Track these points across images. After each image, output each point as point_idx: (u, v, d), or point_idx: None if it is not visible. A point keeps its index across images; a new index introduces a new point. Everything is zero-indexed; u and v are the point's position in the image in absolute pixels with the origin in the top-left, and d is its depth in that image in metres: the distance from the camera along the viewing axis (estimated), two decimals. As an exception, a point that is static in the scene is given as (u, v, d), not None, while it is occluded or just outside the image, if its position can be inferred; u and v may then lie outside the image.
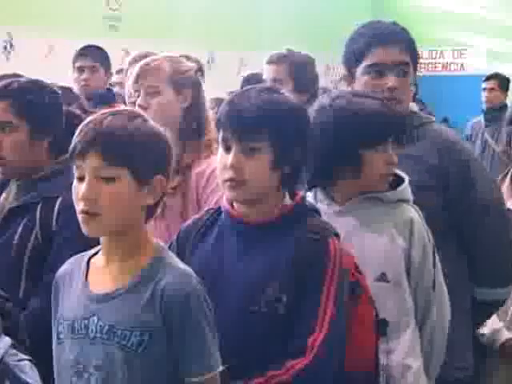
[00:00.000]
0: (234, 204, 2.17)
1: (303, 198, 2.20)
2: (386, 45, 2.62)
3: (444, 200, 2.59)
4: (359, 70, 2.65)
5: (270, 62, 3.80)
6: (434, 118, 2.85)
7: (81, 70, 5.25)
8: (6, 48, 7.64)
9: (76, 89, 4.86)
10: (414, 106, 2.77)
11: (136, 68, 3.02)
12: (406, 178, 2.37)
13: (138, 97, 2.96)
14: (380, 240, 2.28)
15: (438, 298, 2.34)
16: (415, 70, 2.69)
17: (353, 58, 2.67)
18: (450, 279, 2.44)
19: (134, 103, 3.39)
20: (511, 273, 2.70)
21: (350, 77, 2.69)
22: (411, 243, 2.29)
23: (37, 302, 2.12)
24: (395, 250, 2.28)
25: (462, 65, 11.06)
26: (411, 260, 2.29)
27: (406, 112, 2.65)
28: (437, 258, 2.34)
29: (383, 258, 2.25)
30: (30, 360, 1.75)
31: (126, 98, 3.72)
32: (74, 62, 5.29)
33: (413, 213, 2.32)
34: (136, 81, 2.98)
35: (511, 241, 2.69)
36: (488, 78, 7.65)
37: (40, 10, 7.62)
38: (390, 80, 2.59)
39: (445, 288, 2.37)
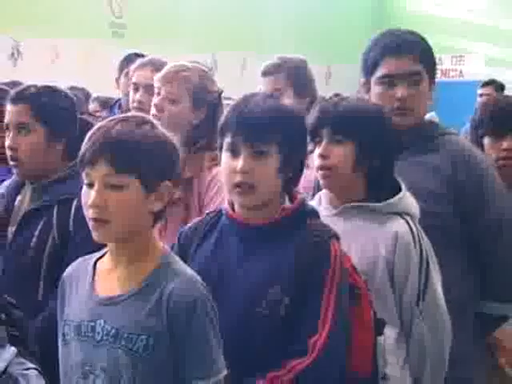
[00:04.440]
0: (235, 207, 2.17)
1: (303, 201, 2.20)
2: (397, 55, 2.62)
3: (459, 212, 2.58)
4: (373, 80, 2.66)
5: (266, 74, 3.69)
6: (454, 130, 2.85)
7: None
8: (13, 55, 7.65)
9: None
10: (433, 117, 2.76)
11: (165, 69, 3.01)
12: (403, 191, 2.35)
13: (158, 94, 2.96)
14: (365, 248, 2.28)
15: (432, 314, 2.31)
16: (432, 78, 2.68)
17: (368, 68, 2.68)
18: (457, 292, 2.46)
19: (138, 108, 3.41)
20: None
21: (367, 85, 2.70)
22: (394, 257, 2.28)
23: (55, 303, 2.13)
24: (377, 262, 2.27)
25: (460, 71, 11.08)
26: (394, 273, 2.28)
27: (417, 121, 2.66)
28: (432, 272, 2.31)
29: (365, 265, 2.24)
30: (36, 369, 1.73)
31: (130, 101, 3.72)
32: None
33: (400, 227, 2.30)
34: (161, 81, 2.97)
35: None
36: (484, 85, 7.65)
37: (46, 18, 7.64)
38: (401, 90, 2.60)
39: (441, 302, 2.33)
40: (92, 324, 1.94)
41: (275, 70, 3.67)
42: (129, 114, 2.26)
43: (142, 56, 4.24)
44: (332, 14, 10.83)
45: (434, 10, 11.10)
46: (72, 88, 4.42)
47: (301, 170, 2.19)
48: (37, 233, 2.69)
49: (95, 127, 1.99)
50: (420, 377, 2.32)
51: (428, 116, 2.82)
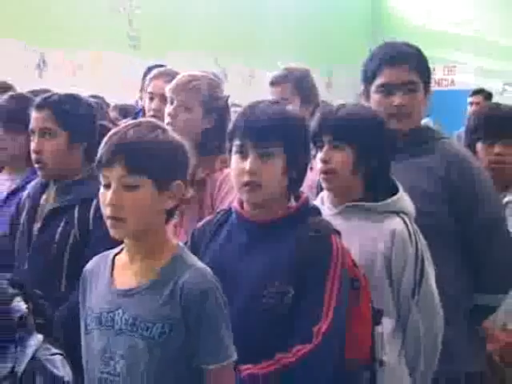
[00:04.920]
0: (244, 205, 2.18)
1: (307, 200, 2.20)
2: (394, 65, 2.63)
3: (452, 212, 2.57)
4: (372, 88, 2.67)
5: (274, 84, 3.70)
6: (448, 135, 2.85)
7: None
8: (39, 66, 7.68)
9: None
10: (429, 122, 2.76)
11: (177, 79, 3.01)
12: (400, 191, 2.36)
13: (172, 103, 2.96)
14: (364, 245, 2.28)
15: (426, 306, 2.31)
16: (427, 86, 2.68)
17: (368, 77, 2.69)
18: (452, 288, 2.46)
19: (153, 116, 3.40)
20: (511, 281, 2.69)
21: (367, 94, 2.70)
22: (391, 253, 2.28)
23: (76, 295, 2.14)
24: (376, 257, 2.27)
25: (452, 80, 11.07)
26: (391, 269, 2.28)
27: (415, 126, 2.67)
28: (426, 267, 2.31)
29: (364, 260, 2.24)
30: (61, 354, 1.75)
31: (146, 110, 3.72)
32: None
33: (398, 225, 2.30)
34: (174, 91, 2.97)
35: None
36: (474, 93, 7.63)
37: (69, 31, 7.66)
38: (397, 98, 2.61)
39: (435, 296, 2.33)
40: (111, 314, 1.95)
41: (282, 80, 3.67)
42: (142, 119, 2.27)
43: (161, 66, 4.23)
44: (332, 27, 10.83)
45: (429, 23, 11.10)
46: (92, 97, 4.41)
47: (305, 171, 2.19)
48: (60, 230, 2.70)
49: (111, 132, 2.01)
50: (415, 365, 2.32)
51: (424, 121, 2.82)
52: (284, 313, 2.03)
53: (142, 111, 4.59)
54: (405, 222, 2.30)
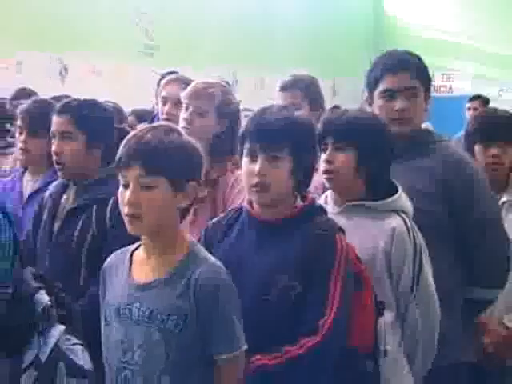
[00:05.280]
0: (254, 205, 2.18)
1: (313, 200, 2.21)
2: (396, 72, 2.63)
3: (449, 210, 2.57)
4: (375, 94, 2.67)
5: (284, 89, 3.65)
6: (446, 137, 2.84)
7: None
8: (61, 73, 7.72)
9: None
10: (428, 126, 2.76)
11: (192, 86, 3.02)
12: (399, 191, 2.36)
13: (187, 110, 2.97)
14: (365, 241, 2.27)
15: (424, 299, 2.30)
16: (427, 92, 2.69)
17: (371, 84, 2.70)
18: (447, 282, 2.45)
19: (167, 119, 3.41)
20: (505, 276, 2.69)
21: (371, 99, 2.71)
22: (391, 249, 2.28)
23: (96, 291, 2.14)
24: (377, 253, 2.27)
25: (450, 87, 11.04)
26: (391, 264, 2.28)
27: (416, 129, 2.67)
28: (424, 263, 2.31)
29: (366, 256, 2.23)
30: (82, 344, 1.76)
31: (159, 113, 3.72)
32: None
33: (397, 222, 2.30)
34: (189, 98, 2.97)
35: (507, 251, 2.68)
36: (472, 99, 7.61)
37: (90, 42, 7.73)
38: (399, 103, 2.61)
39: (432, 289, 2.33)
40: (129, 307, 1.96)
41: (292, 86, 3.67)
42: (158, 123, 2.27)
43: (175, 73, 4.24)
44: (336, 40, 10.83)
45: (428, 34, 11.08)
46: (107, 102, 4.43)
47: (311, 173, 2.20)
48: (79, 227, 2.71)
49: (129, 135, 2.02)
50: (413, 356, 2.32)
51: (423, 125, 2.82)
52: (291, 306, 2.02)
53: (158, 116, 4.62)
54: (404, 220, 2.31)
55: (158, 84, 4.64)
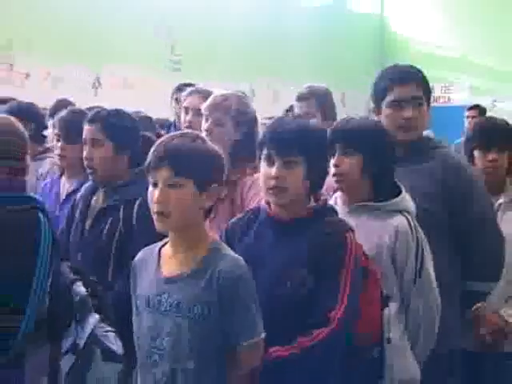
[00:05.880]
0: (271, 206, 2.18)
1: (325, 201, 2.21)
2: (403, 84, 2.63)
3: (448, 210, 2.57)
4: (384, 104, 2.66)
5: (300, 99, 3.69)
6: (446, 144, 2.84)
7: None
8: (94, 85, 7.76)
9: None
10: (430, 133, 2.76)
11: (211, 99, 3.04)
12: (403, 192, 2.36)
13: (207, 121, 2.99)
14: (372, 239, 2.27)
15: (426, 291, 2.30)
16: (429, 101, 2.69)
17: (379, 95, 2.69)
18: (447, 275, 2.44)
19: (188, 127, 3.43)
20: (500, 271, 2.69)
21: (378, 109, 2.70)
22: (395, 246, 2.28)
23: (123, 284, 2.14)
24: (382, 249, 2.27)
25: (448, 98, 11.00)
26: (395, 258, 2.28)
27: (419, 136, 2.68)
28: (426, 258, 2.31)
29: (372, 252, 2.23)
30: (114, 331, 1.77)
31: (182, 122, 3.73)
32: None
33: (401, 221, 2.30)
34: (209, 110, 3.00)
35: (502, 247, 2.68)
36: (470, 108, 7.58)
37: (120, 56, 7.79)
38: (407, 112, 2.61)
39: (433, 282, 2.32)
40: (158, 298, 1.97)
41: (308, 97, 3.67)
42: (184, 131, 2.27)
43: (190, 85, 4.26)
44: (346, 55, 10.82)
45: (428, 48, 11.05)
46: (136, 113, 4.45)
47: (324, 176, 2.20)
48: (107, 226, 2.72)
49: (159, 141, 2.03)
50: (415, 344, 2.31)
51: (425, 133, 2.82)
52: (304, 299, 2.02)
53: (174, 124, 4.65)
54: (407, 219, 2.31)
55: (173, 94, 4.69)
